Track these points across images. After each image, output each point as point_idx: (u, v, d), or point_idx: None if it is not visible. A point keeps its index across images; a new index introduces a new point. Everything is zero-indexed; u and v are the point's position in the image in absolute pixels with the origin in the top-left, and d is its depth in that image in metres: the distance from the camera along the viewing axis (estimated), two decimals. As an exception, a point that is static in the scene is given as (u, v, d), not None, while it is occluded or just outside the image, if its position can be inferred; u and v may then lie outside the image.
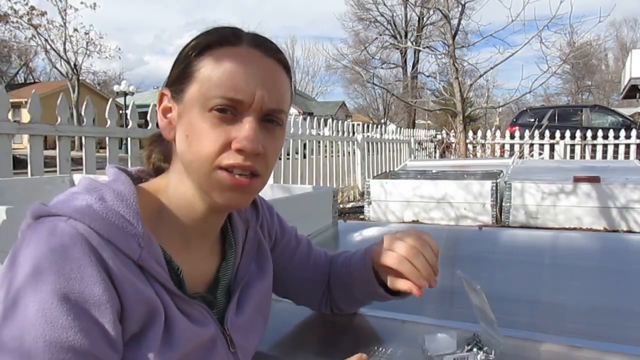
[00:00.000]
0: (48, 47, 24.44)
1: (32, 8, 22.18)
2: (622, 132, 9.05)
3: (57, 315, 0.51)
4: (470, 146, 9.56)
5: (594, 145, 9.16)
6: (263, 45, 0.66)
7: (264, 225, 0.83)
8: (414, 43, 23.53)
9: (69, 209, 0.57)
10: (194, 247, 0.70)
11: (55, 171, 2.88)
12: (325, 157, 6.35)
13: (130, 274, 0.57)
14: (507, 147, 9.97)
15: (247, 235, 0.78)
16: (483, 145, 10.04)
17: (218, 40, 0.65)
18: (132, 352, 0.58)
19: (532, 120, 10.62)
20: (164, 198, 0.67)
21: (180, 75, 0.66)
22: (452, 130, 9.83)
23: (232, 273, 0.75)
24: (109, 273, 0.55)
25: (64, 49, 24.54)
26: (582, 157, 9.10)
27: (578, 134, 9.18)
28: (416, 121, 26.95)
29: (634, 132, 8.98)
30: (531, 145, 9.53)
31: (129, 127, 3.42)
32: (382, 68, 28.80)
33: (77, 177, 2.18)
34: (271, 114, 0.65)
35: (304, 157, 5.85)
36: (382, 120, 28.85)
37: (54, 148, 2.97)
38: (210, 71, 0.63)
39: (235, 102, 0.62)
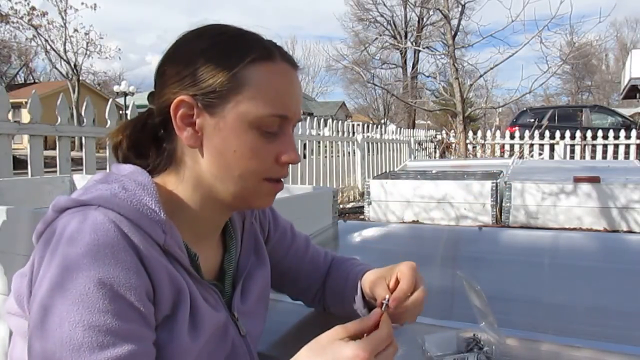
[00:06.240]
0: (48, 47, 24.46)
1: (33, 8, 22.17)
2: (622, 133, 9.04)
3: (94, 300, 0.53)
4: (470, 146, 9.54)
5: (594, 146, 9.14)
6: (291, 59, 0.70)
7: (256, 218, 0.86)
8: (414, 43, 23.50)
9: (96, 198, 0.59)
10: (203, 240, 0.72)
11: (55, 171, 2.88)
12: (325, 157, 6.34)
13: (159, 257, 0.60)
14: (507, 147, 9.95)
15: (244, 227, 0.80)
16: (483, 145, 10.03)
17: (258, 56, 0.65)
18: (165, 334, 0.60)
19: (532, 120, 10.60)
20: (179, 192, 0.68)
21: (215, 88, 0.64)
22: (452, 131, 9.82)
23: (234, 264, 0.77)
24: (140, 257, 0.57)
25: (64, 49, 24.53)
26: (582, 157, 9.08)
27: (578, 134, 9.16)
28: (416, 121, 26.91)
29: (634, 132, 8.96)
30: (531, 145, 9.52)
31: (129, 127, 3.42)
32: (382, 68, 28.84)
33: (77, 177, 2.18)
34: (296, 124, 0.71)
35: (304, 157, 5.84)
36: (382, 121, 28.82)
37: (54, 148, 2.96)
38: (258, 89, 0.65)
39: (283, 120, 0.67)
